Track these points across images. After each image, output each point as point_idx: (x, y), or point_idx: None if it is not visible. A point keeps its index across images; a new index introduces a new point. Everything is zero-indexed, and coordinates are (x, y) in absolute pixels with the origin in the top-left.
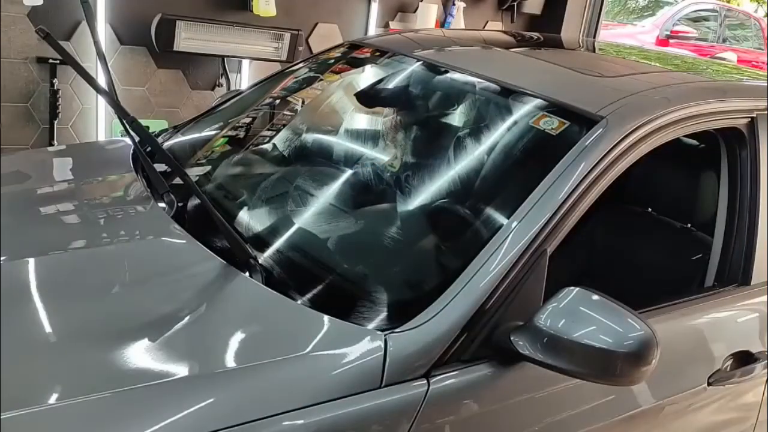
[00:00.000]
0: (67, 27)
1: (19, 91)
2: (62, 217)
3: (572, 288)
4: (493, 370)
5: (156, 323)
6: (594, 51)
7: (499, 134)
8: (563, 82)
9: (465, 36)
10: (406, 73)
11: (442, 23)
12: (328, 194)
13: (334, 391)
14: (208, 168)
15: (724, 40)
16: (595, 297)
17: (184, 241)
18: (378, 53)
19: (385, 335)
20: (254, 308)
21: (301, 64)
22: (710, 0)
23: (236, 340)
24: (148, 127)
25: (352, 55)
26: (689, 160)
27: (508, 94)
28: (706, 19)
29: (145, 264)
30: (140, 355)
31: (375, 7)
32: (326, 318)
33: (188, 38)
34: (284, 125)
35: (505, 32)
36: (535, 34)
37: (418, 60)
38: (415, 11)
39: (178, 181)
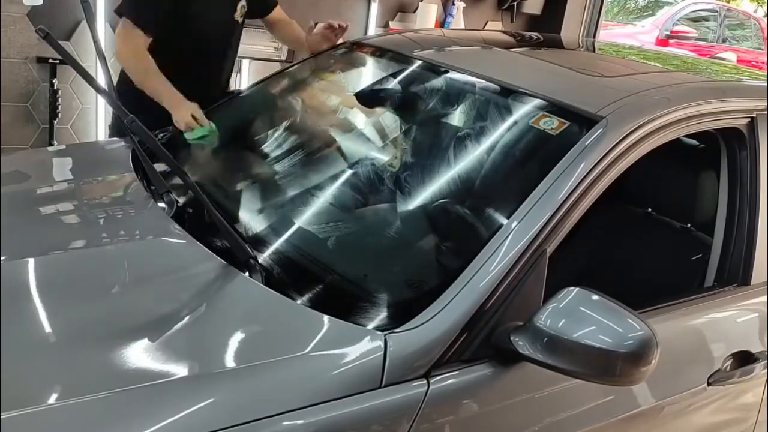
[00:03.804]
0: (67, 27)
1: (19, 91)
2: (62, 217)
3: (572, 288)
4: (493, 370)
5: (156, 323)
6: (594, 51)
7: (499, 134)
8: (563, 82)
9: (465, 36)
10: (406, 73)
11: (441, 23)
12: (328, 194)
13: (333, 391)
14: (208, 168)
15: (723, 40)
16: (595, 297)
17: (184, 241)
18: (378, 53)
19: (385, 335)
20: (254, 308)
21: (300, 64)
22: (710, 0)
23: (236, 340)
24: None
25: (351, 55)
26: (689, 160)
27: (508, 94)
28: (705, 19)
29: (145, 264)
30: (140, 355)
31: (375, 7)
32: (326, 318)
33: None
34: (284, 125)
35: (505, 32)
36: (535, 34)
37: (418, 60)
38: (414, 11)
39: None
